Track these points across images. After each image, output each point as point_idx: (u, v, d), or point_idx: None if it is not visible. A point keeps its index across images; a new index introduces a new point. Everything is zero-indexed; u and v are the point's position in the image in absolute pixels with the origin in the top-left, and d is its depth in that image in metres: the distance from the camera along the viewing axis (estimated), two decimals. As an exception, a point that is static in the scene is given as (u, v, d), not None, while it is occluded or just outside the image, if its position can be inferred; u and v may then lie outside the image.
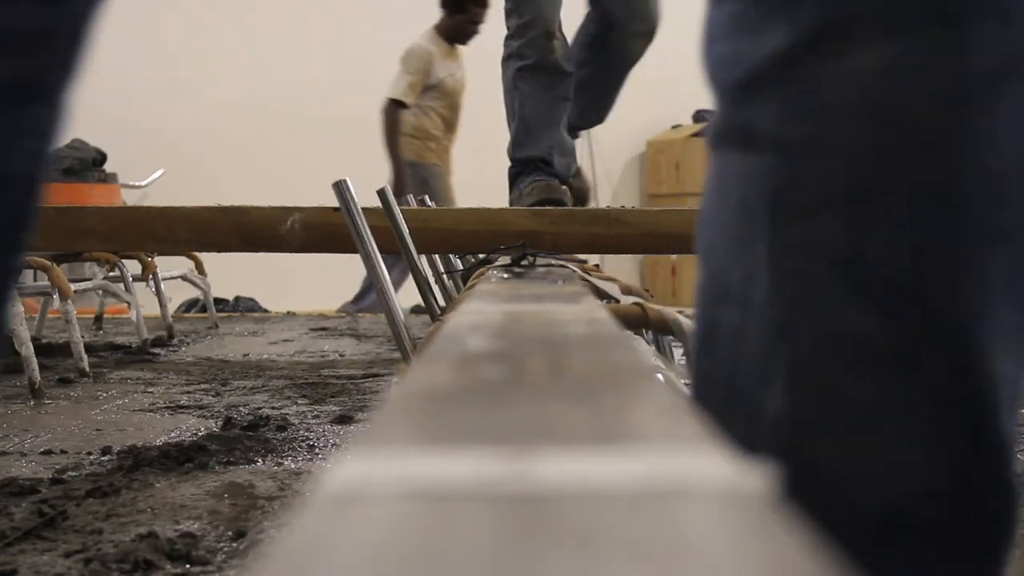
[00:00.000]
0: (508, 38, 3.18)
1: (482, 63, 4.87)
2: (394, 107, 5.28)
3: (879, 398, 0.50)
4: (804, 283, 0.52)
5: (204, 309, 5.31)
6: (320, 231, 2.95)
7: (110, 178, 6.43)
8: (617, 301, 1.36)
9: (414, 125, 5.35)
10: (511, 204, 3.18)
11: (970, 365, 0.50)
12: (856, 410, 0.50)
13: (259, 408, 2.76)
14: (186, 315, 5.82)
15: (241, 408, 2.77)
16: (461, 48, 5.54)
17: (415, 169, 5.30)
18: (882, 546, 0.51)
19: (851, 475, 0.51)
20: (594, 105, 3.38)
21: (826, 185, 0.52)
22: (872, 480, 0.51)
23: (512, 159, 3.21)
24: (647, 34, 3.23)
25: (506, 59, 3.18)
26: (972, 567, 0.52)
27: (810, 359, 0.51)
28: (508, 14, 3.18)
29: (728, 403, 0.55)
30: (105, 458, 2.18)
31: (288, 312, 6.00)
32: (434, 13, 5.50)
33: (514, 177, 3.20)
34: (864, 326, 0.50)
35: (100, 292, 4.53)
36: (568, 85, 3.17)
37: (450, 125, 5.58)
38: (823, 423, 0.51)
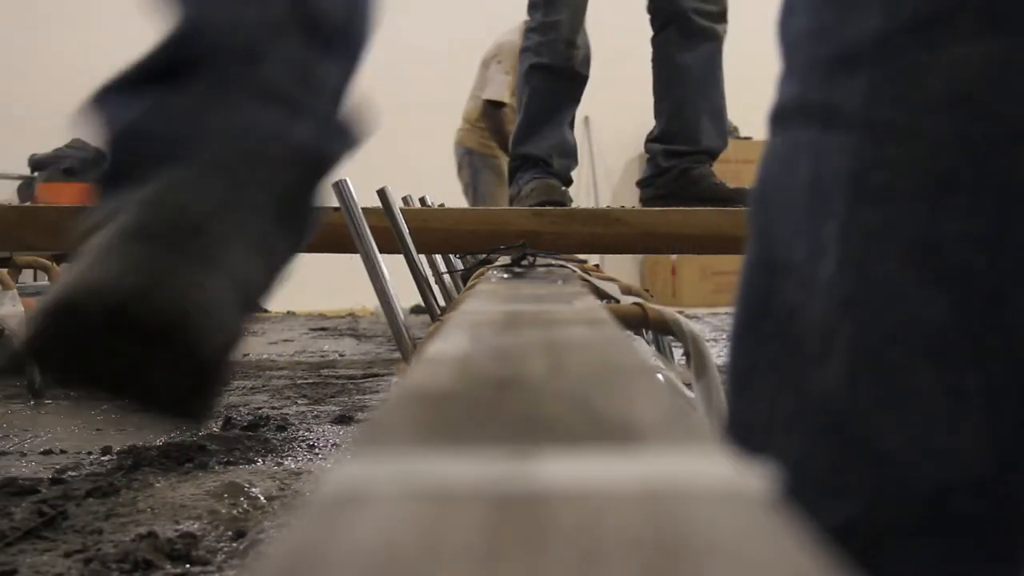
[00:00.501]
0: (530, 30, 3.16)
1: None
2: (495, 109, 5.03)
3: (937, 383, 0.51)
4: (875, 263, 0.52)
5: (204, 309, 5.30)
6: (320, 231, 2.94)
7: (110, 178, 6.43)
8: (617, 301, 1.35)
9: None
10: (510, 200, 3.18)
11: None
12: (913, 392, 0.51)
13: (259, 408, 2.76)
14: (186, 315, 5.82)
15: (241, 408, 2.77)
16: None
17: (484, 159, 5.13)
18: (927, 531, 0.52)
19: (902, 455, 0.51)
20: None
21: (912, 171, 0.52)
22: (922, 462, 0.51)
23: (512, 154, 3.21)
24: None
25: (523, 50, 3.18)
26: (1013, 563, 0.53)
27: (873, 339, 0.52)
28: (534, 6, 3.15)
29: (773, 379, 0.56)
30: (105, 458, 2.18)
31: (288, 312, 6.01)
32: (437, 12, 5.49)
33: (513, 172, 3.20)
34: (931, 312, 0.51)
35: (100, 292, 4.52)
36: (580, 89, 3.16)
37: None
38: (879, 401, 0.52)
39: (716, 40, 3.04)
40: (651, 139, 3.23)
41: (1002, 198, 0.51)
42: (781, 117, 0.59)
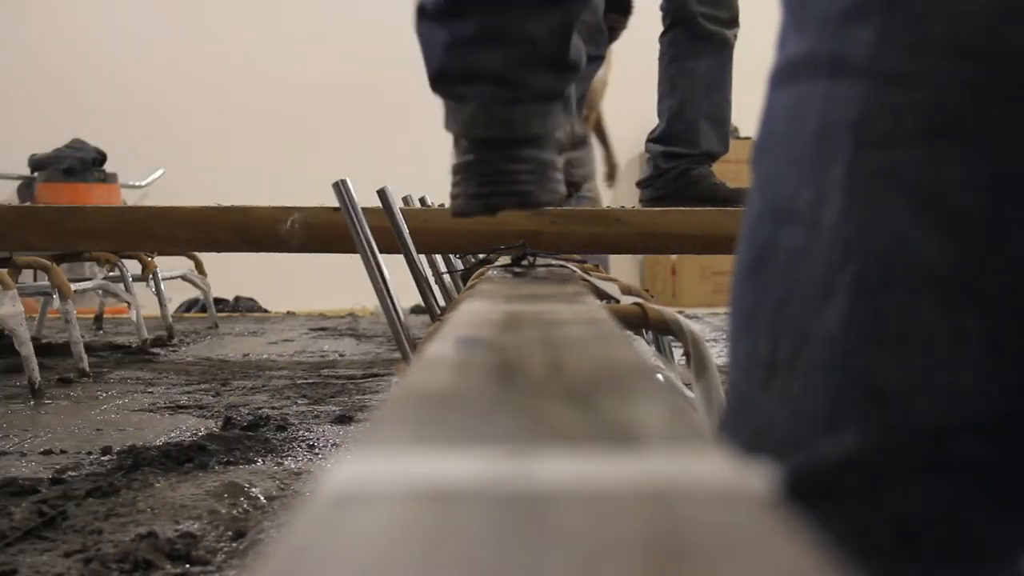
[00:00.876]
0: None
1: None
2: None
3: (938, 322, 0.52)
4: (878, 206, 0.53)
5: (204, 309, 5.31)
6: (320, 231, 2.95)
7: (110, 178, 6.43)
8: (617, 301, 1.35)
9: None
10: None
11: None
12: (915, 330, 0.52)
13: (259, 408, 2.76)
14: (186, 315, 5.82)
15: (241, 408, 2.77)
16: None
17: None
18: (928, 472, 0.53)
19: (901, 393, 0.52)
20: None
21: (915, 117, 0.54)
22: (922, 401, 0.52)
23: None
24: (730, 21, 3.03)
25: None
26: (1015, 511, 0.54)
27: (875, 278, 0.53)
28: None
29: (776, 323, 0.57)
30: (105, 458, 2.18)
31: (288, 312, 6.01)
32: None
33: None
34: (932, 251, 0.52)
35: (100, 292, 4.53)
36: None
37: (586, 120, 5.54)
38: (881, 339, 0.53)
39: (725, 45, 3.03)
40: (652, 139, 3.22)
41: (1003, 143, 0.52)
42: (787, 73, 0.60)
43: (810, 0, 0.59)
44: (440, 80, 1.30)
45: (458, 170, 1.32)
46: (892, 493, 0.53)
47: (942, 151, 0.53)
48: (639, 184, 3.28)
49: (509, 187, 1.27)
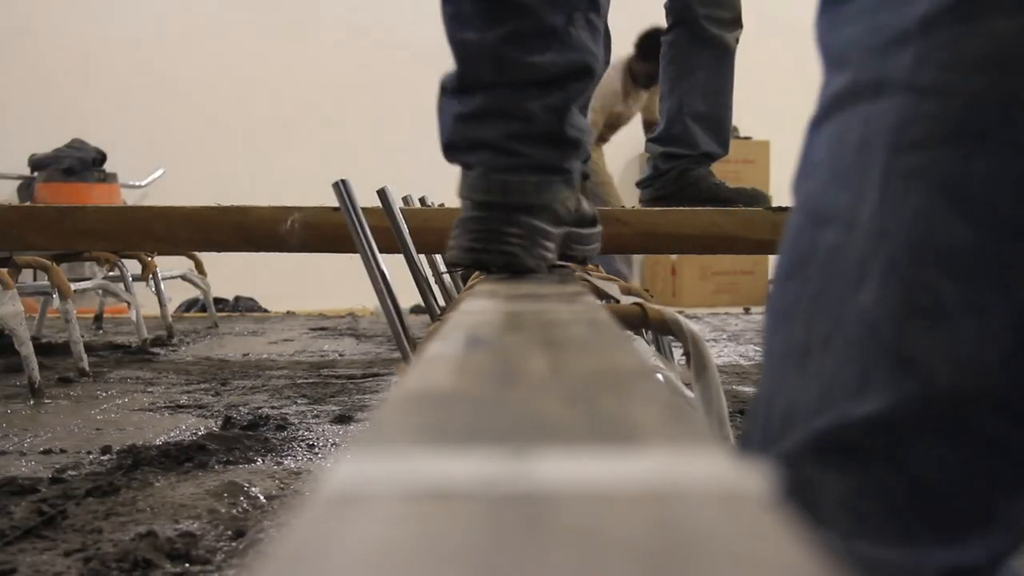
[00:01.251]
0: None
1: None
2: None
3: (964, 300, 0.56)
4: (911, 199, 0.58)
5: (204, 309, 5.31)
6: (320, 231, 2.95)
7: (110, 178, 6.43)
8: (617, 301, 1.35)
9: None
10: None
11: None
12: (941, 306, 0.57)
13: (259, 408, 2.77)
14: (186, 315, 5.82)
15: (241, 408, 2.77)
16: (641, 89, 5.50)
17: None
18: (950, 439, 0.56)
19: (925, 360, 0.56)
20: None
21: (947, 122, 0.58)
22: (945, 369, 0.56)
23: None
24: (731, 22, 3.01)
25: None
26: None
27: (905, 260, 0.58)
28: None
29: (813, 311, 0.61)
30: (105, 457, 2.18)
31: (288, 312, 6.01)
32: (428, 18, 5.48)
33: None
34: (958, 239, 0.57)
35: (100, 292, 4.53)
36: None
37: (603, 139, 5.56)
38: (909, 313, 0.57)
39: (726, 47, 3.02)
40: (651, 139, 3.22)
41: None
42: (829, 107, 0.64)
43: (853, 40, 0.64)
44: (449, 149, 1.45)
45: (458, 225, 1.43)
46: (912, 455, 0.56)
47: (971, 150, 0.57)
48: (639, 184, 3.28)
49: (499, 247, 1.37)
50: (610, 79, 5.33)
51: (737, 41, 3.05)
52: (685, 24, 3.01)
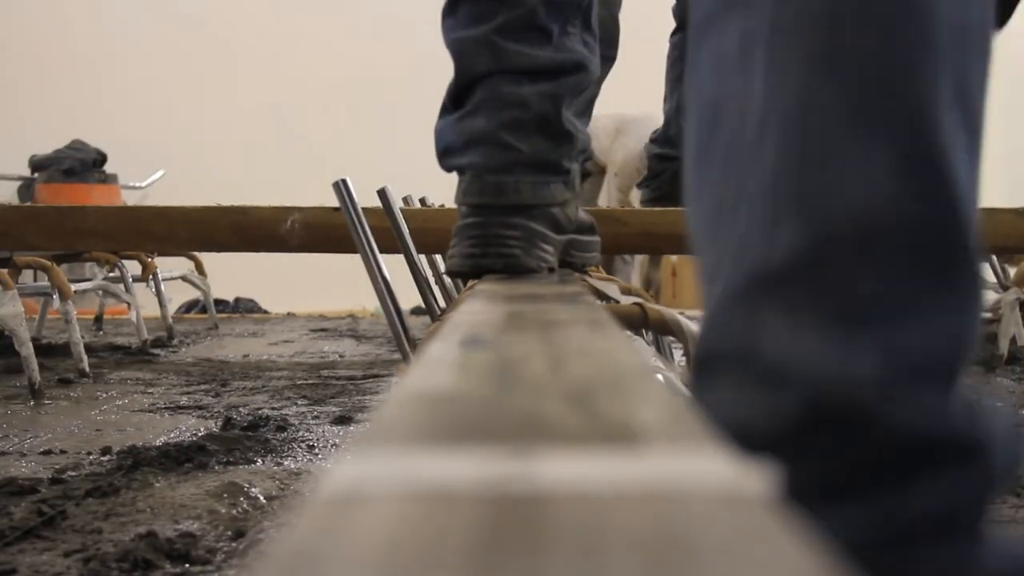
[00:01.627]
0: None
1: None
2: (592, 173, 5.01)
3: (847, 141, 0.63)
4: (789, 65, 0.65)
5: (204, 310, 5.31)
6: (320, 231, 2.95)
7: (110, 179, 6.44)
8: (617, 301, 1.36)
9: None
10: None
11: (923, 131, 0.63)
12: (829, 144, 0.63)
13: (259, 409, 2.77)
14: (186, 316, 5.82)
15: (241, 408, 2.77)
16: None
17: None
18: (864, 264, 0.62)
19: (827, 197, 0.63)
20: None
21: (815, 5, 0.64)
22: (843, 202, 0.62)
23: None
24: None
25: None
26: (951, 287, 0.64)
27: (794, 120, 0.64)
28: None
29: (725, 179, 0.67)
30: (105, 458, 2.18)
31: (288, 313, 6.01)
32: (428, 18, 5.47)
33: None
34: (831, 96, 0.63)
35: (100, 292, 4.53)
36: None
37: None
38: (804, 160, 0.64)
39: None
40: (651, 140, 3.23)
41: (889, 7, 0.64)
42: (705, 27, 0.71)
43: None
44: (444, 154, 1.47)
45: (456, 233, 1.44)
46: (837, 277, 0.62)
47: (838, 20, 0.64)
48: (639, 185, 3.29)
49: (498, 249, 1.38)
50: (630, 166, 5.23)
51: None
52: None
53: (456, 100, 1.47)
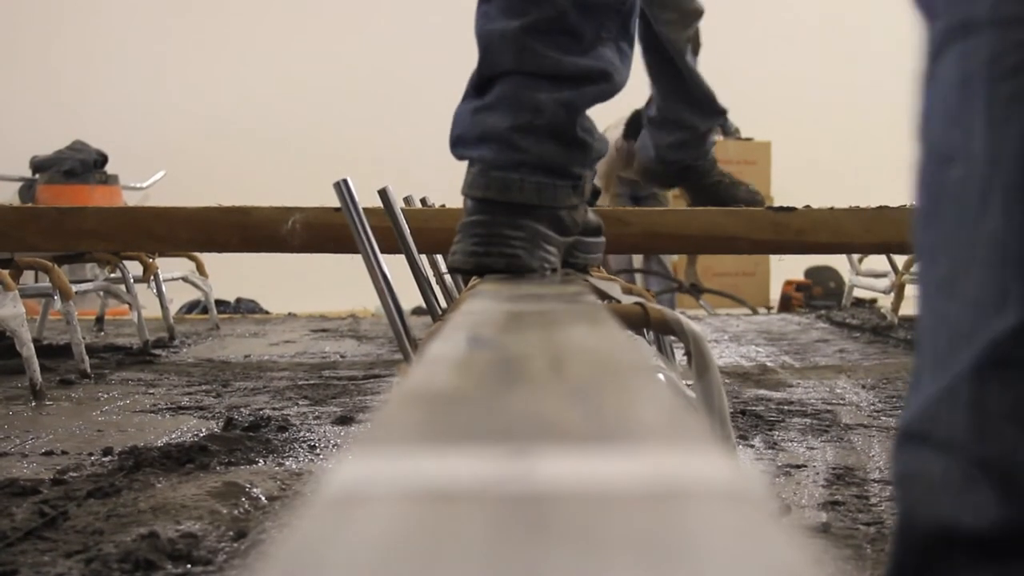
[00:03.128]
0: None
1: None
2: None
3: None
4: (1014, 124, 0.62)
5: (205, 311, 5.31)
6: (321, 231, 2.95)
7: (111, 180, 6.43)
8: (618, 301, 1.35)
9: None
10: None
11: None
12: None
13: (260, 409, 2.77)
14: (187, 316, 5.82)
15: (242, 409, 2.77)
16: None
17: None
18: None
19: None
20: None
21: None
22: None
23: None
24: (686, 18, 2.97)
25: None
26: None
27: (1020, 182, 0.62)
28: None
29: (952, 246, 0.65)
30: (106, 459, 2.18)
31: (289, 314, 6.01)
32: (441, 12, 5.47)
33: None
34: None
35: (101, 293, 4.53)
36: None
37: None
38: None
39: (672, 50, 3.01)
40: (649, 119, 3.25)
41: None
42: (932, 57, 0.69)
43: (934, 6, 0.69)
44: (457, 143, 1.46)
45: (460, 229, 1.44)
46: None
47: None
48: (640, 175, 3.31)
49: (500, 249, 1.37)
50: (609, 163, 5.20)
51: (691, 39, 3.01)
52: (646, 31, 2.94)
53: (478, 89, 1.45)
